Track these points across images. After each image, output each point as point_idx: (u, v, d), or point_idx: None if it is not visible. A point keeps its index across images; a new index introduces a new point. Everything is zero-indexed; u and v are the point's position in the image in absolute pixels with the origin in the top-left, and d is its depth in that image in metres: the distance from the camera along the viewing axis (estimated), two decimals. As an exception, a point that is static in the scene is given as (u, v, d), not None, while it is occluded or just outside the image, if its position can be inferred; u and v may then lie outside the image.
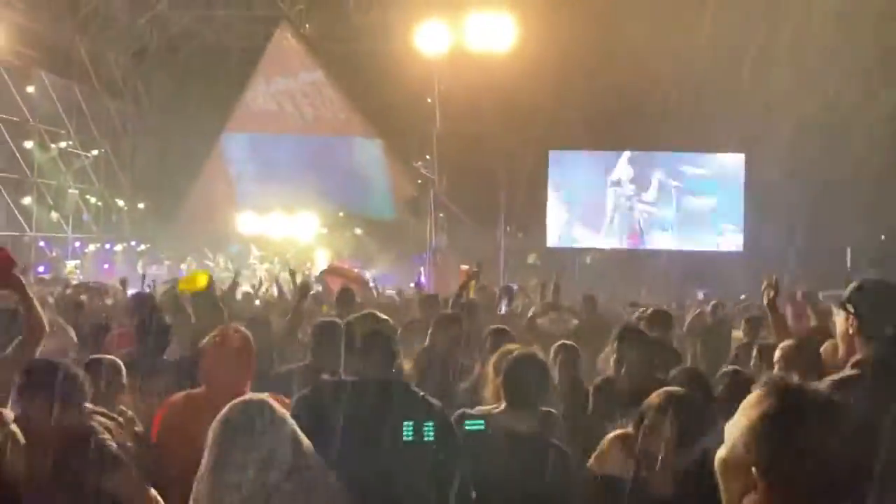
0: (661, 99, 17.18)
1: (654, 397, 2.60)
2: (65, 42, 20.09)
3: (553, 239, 20.67)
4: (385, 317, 3.25)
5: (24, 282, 3.41)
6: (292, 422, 2.41)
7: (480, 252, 18.62)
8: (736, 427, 1.35)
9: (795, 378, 1.42)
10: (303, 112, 22.72)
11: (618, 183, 20.44)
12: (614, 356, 3.53)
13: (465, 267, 9.60)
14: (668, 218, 20.42)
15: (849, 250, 17.30)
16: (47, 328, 3.40)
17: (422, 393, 3.05)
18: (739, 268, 16.31)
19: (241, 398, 2.48)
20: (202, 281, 4.38)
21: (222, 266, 20.54)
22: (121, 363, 3.69)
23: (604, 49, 15.75)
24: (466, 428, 3.11)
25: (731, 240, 20.07)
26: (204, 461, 2.30)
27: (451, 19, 16.58)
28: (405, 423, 2.82)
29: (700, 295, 12.11)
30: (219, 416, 2.38)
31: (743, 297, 11.37)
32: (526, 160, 19.40)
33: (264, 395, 2.54)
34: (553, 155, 20.56)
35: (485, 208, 19.56)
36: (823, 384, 3.06)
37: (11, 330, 3.50)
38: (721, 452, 1.37)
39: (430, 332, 4.84)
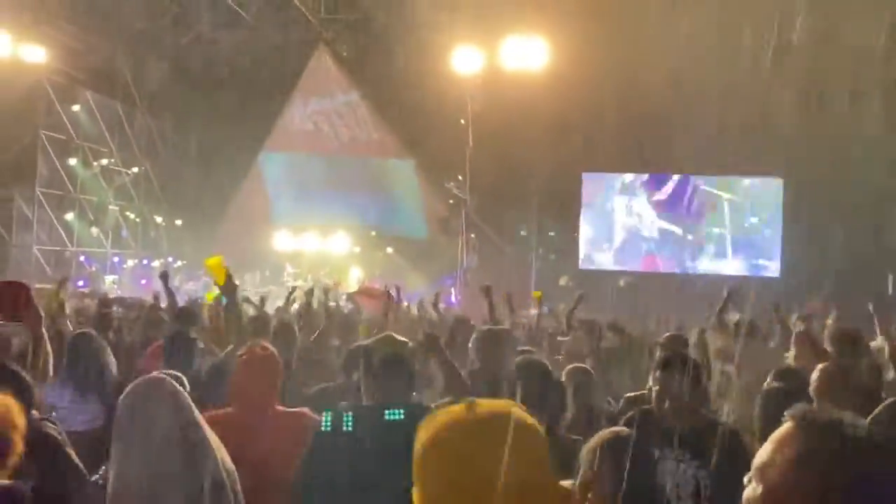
0: (697, 121, 17.03)
1: None
2: (109, 62, 20.68)
3: (586, 261, 20.51)
4: (404, 339, 3.24)
5: (40, 320, 3.41)
6: (185, 399, 2.41)
7: (512, 273, 18.70)
8: (772, 468, 1.22)
9: (830, 409, 1.28)
10: (338, 132, 23.03)
11: (652, 205, 20.25)
12: (656, 387, 3.11)
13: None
14: (704, 241, 20.14)
15: (891, 277, 16.88)
16: (51, 373, 3.39)
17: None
18: (776, 292, 15.99)
19: (143, 377, 2.48)
20: (220, 271, 4.37)
21: (258, 282, 20.83)
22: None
23: (637, 71, 15.68)
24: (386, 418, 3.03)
25: (767, 264, 19.71)
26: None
27: (485, 41, 16.70)
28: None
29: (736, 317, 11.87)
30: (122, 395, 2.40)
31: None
32: (559, 181, 19.35)
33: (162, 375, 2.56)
34: (586, 176, 20.45)
35: (517, 229, 19.53)
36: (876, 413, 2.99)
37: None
38: (751, 492, 1.24)
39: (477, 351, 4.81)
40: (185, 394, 2.43)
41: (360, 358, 3.25)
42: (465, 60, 17.10)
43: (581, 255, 20.42)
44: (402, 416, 2.88)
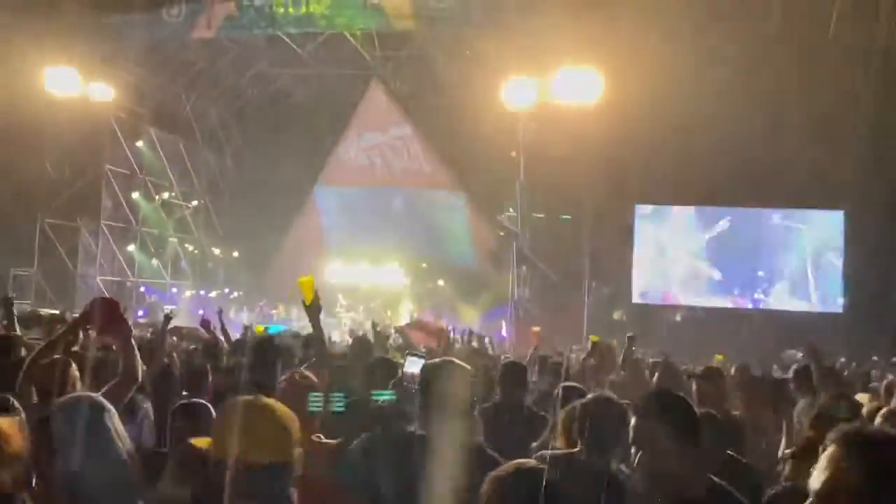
0: (754, 154, 16.69)
1: None
2: (172, 99, 21.44)
3: (640, 295, 20.11)
4: (463, 364, 3.14)
5: (130, 331, 3.55)
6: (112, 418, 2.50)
7: (564, 307, 18.46)
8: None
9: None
10: (391, 166, 23.31)
11: (709, 239, 19.80)
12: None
13: (536, 329, 9.55)
14: (764, 276, 19.55)
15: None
16: (140, 378, 3.49)
17: (490, 452, 2.93)
18: (839, 329, 15.40)
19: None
20: (310, 290, 4.44)
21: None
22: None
23: (692, 102, 15.47)
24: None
25: (830, 300, 19.01)
26: None
27: (538, 73, 16.73)
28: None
29: (798, 356, 11.44)
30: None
31: (842, 359, 10.70)
32: (612, 214, 19.11)
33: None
34: (640, 209, 20.15)
35: (569, 262, 19.27)
36: None
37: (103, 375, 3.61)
38: None
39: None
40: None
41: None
42: (517, 93, 17.16)
43: (635, 289, 20.05)
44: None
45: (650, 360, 7.65)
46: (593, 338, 7.99)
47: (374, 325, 9.18)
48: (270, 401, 2.38)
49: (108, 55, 18.99)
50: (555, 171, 17.05)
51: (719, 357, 8.45)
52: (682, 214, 20.15)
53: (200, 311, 21.42)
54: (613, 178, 17.69)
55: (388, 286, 22.63)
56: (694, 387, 4.35)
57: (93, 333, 3.90)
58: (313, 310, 4.40)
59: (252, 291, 23.71)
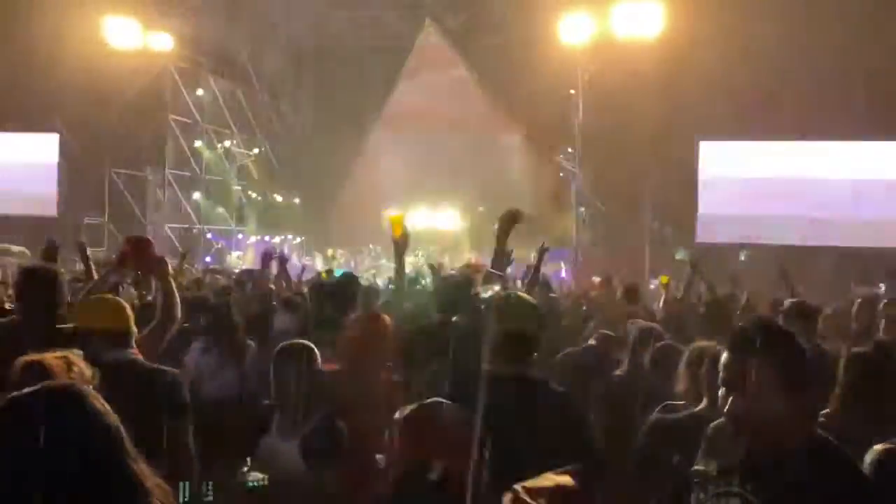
0: (824, 83, 15.84)
1: None
2: (230, 47, 21.59)
3: (704, 233, 19.59)
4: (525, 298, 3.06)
5: (167, 270, 3.58)
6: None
7: (626, 248, 18.18)
8: None
9: None
10: (447, 108, 23.04)
11: (778, 173, 19.04)
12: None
13: (597, 279, 9.34)
14: (839, 210, 18.69)
15: None
16: (179, 316, 3.55)
17: (560, 388, 2.84)
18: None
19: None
20: (399, 226, 4.54)
21: (372, 256, 21.35)
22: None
23: (757, 30, 14.71)
24: None
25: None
26: None
27: (596, 8, 16.20)
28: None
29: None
30: None
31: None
32: (673, 150, 18.51)
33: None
34: (703, 144, 19.47)
35: (630, 202, 18.86)
36: None
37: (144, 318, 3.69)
38: None
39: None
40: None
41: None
42: (574, 30, 16.66)
43: (699, 228, 19.54)
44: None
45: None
46: (663, 278, 7.72)
47: (431, 267, 9.21)
48: None
49: (165, 4, 19.20)
50: (614, 109, 16.60)
51: (664, 279, 7.50)
52: (747, 148, 19.39)
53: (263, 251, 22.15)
54: (674, 112, 17.10)
55: (446, 230, 22.69)
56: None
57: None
58: (400, 246, 4.45)
59: (314, 236, 24.13)
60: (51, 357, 2.15)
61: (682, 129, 17.82)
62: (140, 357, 3.04)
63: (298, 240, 24.87)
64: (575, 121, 18.00)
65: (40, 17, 17.03)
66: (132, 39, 18.60)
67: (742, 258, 19.26)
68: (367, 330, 3.49)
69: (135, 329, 3.09)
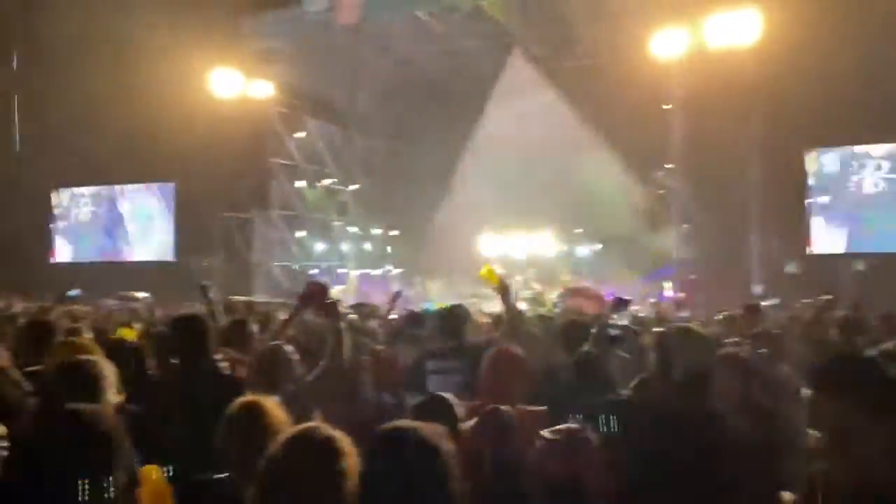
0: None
1: None
2: (323, 89, 22.45)
3: (817, 244, 18.71)
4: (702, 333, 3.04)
5: (339, 311, 3.80)
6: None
7: (731, 262, 17.56)
8: None
9: None
10: (537, 132, 23.04)
11: (891, 181, 18.02)
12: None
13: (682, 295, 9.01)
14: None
15: None
16: (347, 353, 3.70)
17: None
18: None
19: None
20: (492, 276, 4.72)
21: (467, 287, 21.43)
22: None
23: (863, 31, 14.04)
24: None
25: None
26: None
27: (689, 20, 15.93)
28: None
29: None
30: None
31: None
32: (780, 161, 17.82)
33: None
34: (811, 153, 18.69)
35: (735, 216, 18.23)
36: None
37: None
38: None
39: None
40: None
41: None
42: (665, 44, 16.42)
43: (813, 239, 18.68)
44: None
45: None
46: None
47: (538, 295, 9.26)
48: None
49: (263, 53, 20.21)
50: (712, 121, 16.16)
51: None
52: (858, 155, 18.46)
53: (364, 288, 22.64)
54: (778, 122, 16.49)
55: (542, 255, 22.58)
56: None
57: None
58: (503, 292, 4.64)
59: (411, 268, 24.50)
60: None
61: (787, 139, 17.16)
62: None
63: (397, 271, 25.30)
64: (671, 136, 17.64)
65: (151, 74, 18.28)
66: (235, 89, 19.64)
67: (859, 268, 18.25)
68: (506, 366, 3.51)
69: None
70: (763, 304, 8.59)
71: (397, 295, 7.54)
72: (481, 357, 3.62)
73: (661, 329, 3.09)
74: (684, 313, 10.54)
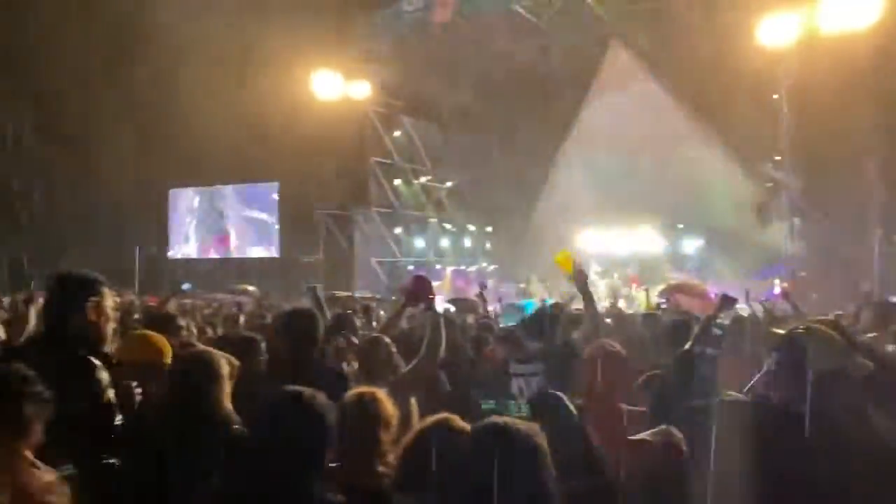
0: None
1: None
2: (420, 87, 22.71)
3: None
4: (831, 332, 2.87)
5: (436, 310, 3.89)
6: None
7: (848, 260, 16.52)
8: None
9: None
10: (639, 125, 22.48)
11: None
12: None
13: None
14: None
15: None
16: (443, 346, 3.76)
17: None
18: None
19: None
20: (567, 263, 4.63)
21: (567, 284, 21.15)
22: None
23: None
24: None
25: None
26: None
27: (797, 4, 15.13)
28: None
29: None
30: None
31: None
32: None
33: None
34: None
35: (852, 210, 17.15)
36: None
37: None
38: None
39: None
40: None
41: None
42: (774, 31, 15.66)
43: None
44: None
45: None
46: None
47: (646, 291, 9.04)
48: None
49: (361, 54, 20.65)
50: (824, 110, 15.27)
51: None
52: None
53: (460, 284, 22.76)
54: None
55: (643, 250, 22.03)
56: None
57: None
58: (579, 282, 4.46)
59: (508, 264, 24.44)
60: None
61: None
62: None
63: (492, 268, 25.31)
64: (781, 127, 16.81)
65: (255, 79, 19.04)
66: (335, 90, 20.18)
67: None
68: (610, 365, 3.46)
69: None
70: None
71: (482, 287, 7.56)
72: (568, 360, 3.60)
73: (790, 328, 2.93)
74: (795, 311, 10.01)
